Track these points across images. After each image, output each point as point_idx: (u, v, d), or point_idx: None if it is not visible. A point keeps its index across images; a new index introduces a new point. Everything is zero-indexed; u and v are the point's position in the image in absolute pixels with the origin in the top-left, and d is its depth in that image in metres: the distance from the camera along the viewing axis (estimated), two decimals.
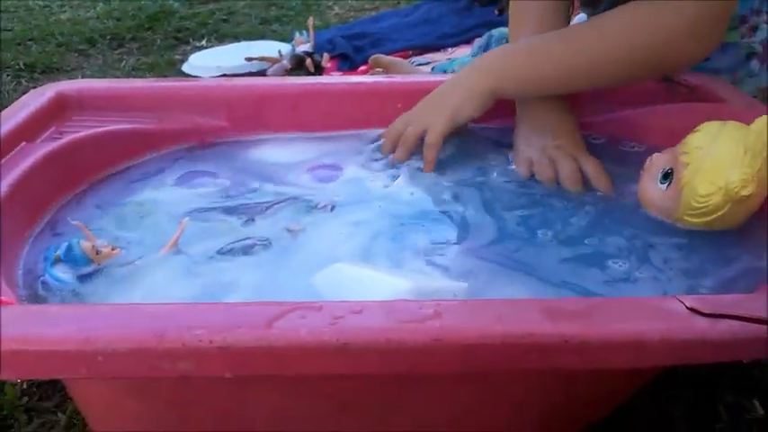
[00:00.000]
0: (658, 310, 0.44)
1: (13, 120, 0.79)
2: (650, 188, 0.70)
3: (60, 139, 0.81)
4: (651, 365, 0.48)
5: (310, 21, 2.06)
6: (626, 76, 0.79)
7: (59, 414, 0.73)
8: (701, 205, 0.65)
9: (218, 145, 0.90)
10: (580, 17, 1.19)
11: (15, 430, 0.72)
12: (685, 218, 0.68)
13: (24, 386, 0.77)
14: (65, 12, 2.58)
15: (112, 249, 0.67)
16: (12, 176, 0.69)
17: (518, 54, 0.82)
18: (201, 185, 0.82)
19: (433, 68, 1.17)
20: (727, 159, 0.63)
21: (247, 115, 0.91)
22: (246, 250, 0.67)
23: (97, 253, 0.65)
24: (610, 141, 0.87)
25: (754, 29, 0.92)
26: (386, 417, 0.52)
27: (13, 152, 0.75)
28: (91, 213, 0.75)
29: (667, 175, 0.68)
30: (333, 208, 0.75)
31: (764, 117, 0.63)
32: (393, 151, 0.84)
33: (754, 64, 0.93)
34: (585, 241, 0.67)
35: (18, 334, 0.43)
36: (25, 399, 0.76)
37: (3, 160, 0.73)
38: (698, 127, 0.68)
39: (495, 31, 1.41)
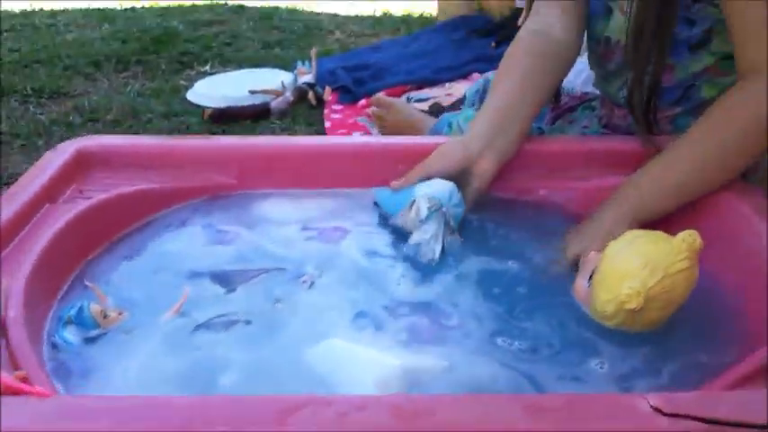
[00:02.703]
0: (626, 408, 0.50)
1: (35, 182, 0.84)
2: (581, 285, 0.72)
3: (81, 197, 0.87)
4: None
5: (313, 51, 2.12)
6: (753, 154, 0.82)
7: None
8: (601, 310, 0.68)
9: (228, 197, 0.95)
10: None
11: None
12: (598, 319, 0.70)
13: None
14: (71, 32, 2.64)
15: (119, 314, 0.72)
16: (41, 242, 0.75)
17: (651, 178, 0.83)
18: (217, 242, 0.87)
19: (439, 121, 1.21)
20: (624, 270, 0.66)
21: (257, 173, 0.96)
22: (230, 325, 0.71)
23: (105, 317, 0.71)
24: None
25: None
26: None
27: (38, 215, 0.81)
28: (116, 265, 0.81)
29: (593, 275, 0.71)
30: (312, 284, 0.78)
31: (689, 232, 0.66)
32: None
33: None
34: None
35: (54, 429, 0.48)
36: None
37: (29, 225, 0.78)
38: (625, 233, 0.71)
39: (491, 74, 1.47)
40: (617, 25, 0.96)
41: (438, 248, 0.81)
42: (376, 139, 1.04)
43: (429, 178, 0.86)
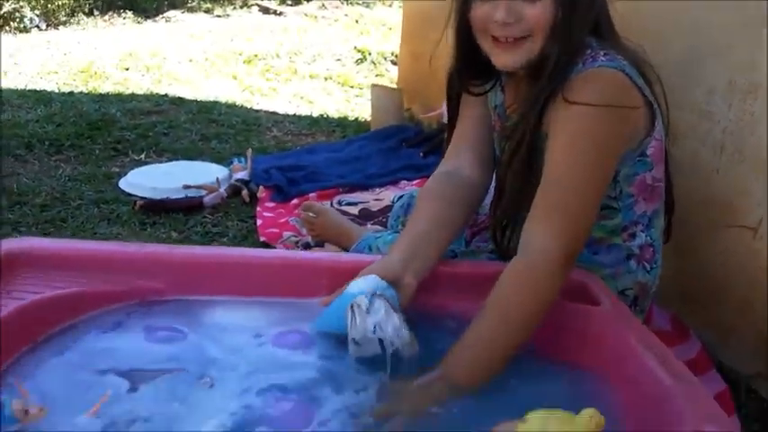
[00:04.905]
0: None
1: None
2: None
3: (10, 297, 0.88)
4: None
5: (249, 151, 2.18)
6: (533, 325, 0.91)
7: None
8: None
9: (171, 302, 0.97)
10: None
11: None
12: None
13: None
14: (5, 112, 2.61)
15: (40, 410, 0.74)
16: None
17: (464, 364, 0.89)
18: (161, 341, 0.90)
19: (360, 242, 1.28)
20: None
21: (185, 281, 0.99)
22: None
23: (26, 413, 0.72)
24: None
25: (633, 235, 1.09)
26: None
27: None
28: (46, 362, 0.83)
29: None
30: (212, 385, 0.82)
31: (591, 412, 0.73)
32: None
33: (633, 263, 1.10)
34: None
35: None
36: None
37: None
38: (527, 416, 0.75)
39: (416, 190, 1.56)
40: None
41: (402, 328, 0.84)
42: (303, 254, 1.08)
43: None
